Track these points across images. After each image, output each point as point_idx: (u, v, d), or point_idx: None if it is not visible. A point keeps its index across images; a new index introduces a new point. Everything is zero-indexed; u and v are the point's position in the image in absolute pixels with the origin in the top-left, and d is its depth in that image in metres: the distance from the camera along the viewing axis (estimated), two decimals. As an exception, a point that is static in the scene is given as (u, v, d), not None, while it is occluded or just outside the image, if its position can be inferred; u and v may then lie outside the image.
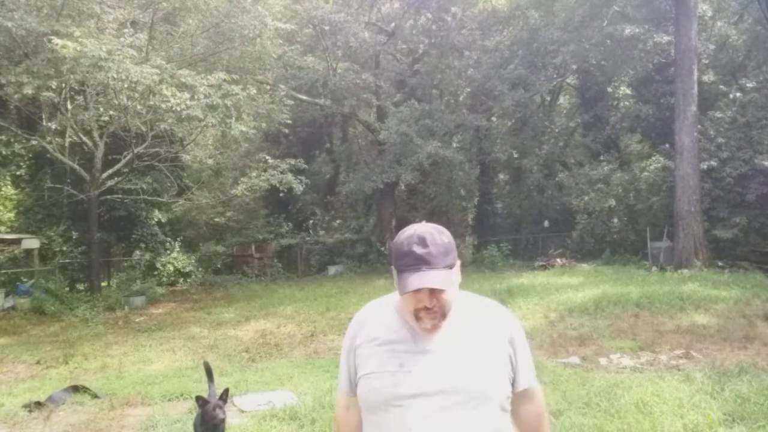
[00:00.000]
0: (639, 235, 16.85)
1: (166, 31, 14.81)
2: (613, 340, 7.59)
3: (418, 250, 1.40)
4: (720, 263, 14.42)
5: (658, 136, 18.30)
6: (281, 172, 15.35)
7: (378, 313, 1.58)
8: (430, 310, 1.43)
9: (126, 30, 12.65)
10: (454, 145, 20.75)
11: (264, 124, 16.32)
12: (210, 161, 19.70)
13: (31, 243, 14.49)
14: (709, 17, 18.72)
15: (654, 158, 17.41)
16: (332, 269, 20.21)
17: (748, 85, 16.46)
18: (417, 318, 1.45)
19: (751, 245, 15.14)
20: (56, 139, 14.51)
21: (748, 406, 4.43)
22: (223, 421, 3.54)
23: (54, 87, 12.52)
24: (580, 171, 20.52)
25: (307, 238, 22.31)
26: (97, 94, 13.72)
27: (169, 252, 18.72)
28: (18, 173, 16.12)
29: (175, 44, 14.50)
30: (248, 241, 21.72)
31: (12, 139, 15.20)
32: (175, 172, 17.31)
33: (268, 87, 17.45)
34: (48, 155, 14.90)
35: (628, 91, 21.65)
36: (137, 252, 18.17)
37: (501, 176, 27.04)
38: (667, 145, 16.62)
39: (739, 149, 15.22)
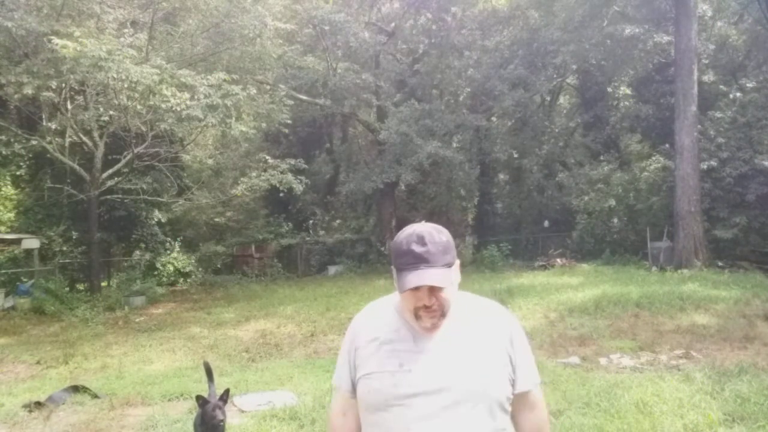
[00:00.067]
0: (639, 235, 16.85)
1: (166, 31, 14.81)
2: (613, 340, 7.59)
3: (416, 248, 1.42)
4: (720, 263, 14.42)
5: (658, 136, 18.30)
6: (281, 172, 15.35)
7: (378, 313, 1.59)
8: (429, 309, 1.43)
9: (126, 30, 12.64)
10: (454, 145, 20.75)
11: (264, 124, 16.31)
12: (210, 161, 19.70)
13: (31, 243, 14.49)
14: (709, 17, 18.72)
15: (654, 158, 17.41)
16: (332, 269, 20.21)
17: (748, 85, 16.46)
18: (417, 317, 1.46)
19: (751, 245, 15.14)
20: (56, 139, 14.51)
21: (748, 406, 4.43)
22: (222, 422, 3.53)
23: (54, 87, 12.51)
24: (580, 171, 20.53)
25: (307, 238, 22.31)
26: (97, 94, 13.72)
27: (169, 252, 18.72)
28: (18, 173, 16.12)
29: (175, 44, 14.50)
30: (248, 241, 21.72)
31: (12, 139, 15.20)
32: (175, 172, 17.31)
33: (268, 87, 17.44)
34: (48, 155, 14.90)
35: (628, 91, 21.65)
36: (137, 252, 18.17)
37: (501, 176, 27.04)
38: (667, 145, 16.62)
39: (739, 149, 15.22)
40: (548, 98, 25.13)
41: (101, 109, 13.75)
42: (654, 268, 14.51)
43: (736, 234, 14.79)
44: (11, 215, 15.56)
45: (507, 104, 19.50)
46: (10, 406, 5.55)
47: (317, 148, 25.78)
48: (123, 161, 14.90)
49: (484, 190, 24.02)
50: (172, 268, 18.48)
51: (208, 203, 18.63)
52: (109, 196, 15.74)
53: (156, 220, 18.60)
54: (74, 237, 16.18)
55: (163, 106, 11.85)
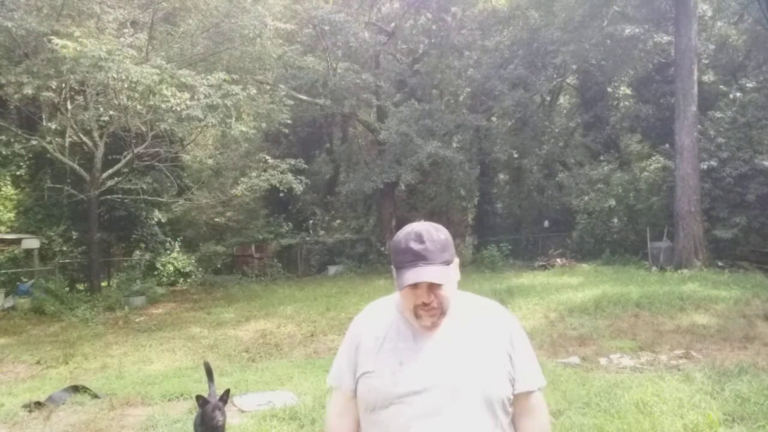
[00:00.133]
0: (639, 235, 16.85)
1: (166, 31, 14.81)
2: (613, 340, 7.59)
3: (415, 246, 1.43)
4: (720, 263, 14.42)
5: (658, 136, 18.30)
6: (281, 172, 15.34)
7: (379, 313, 1.60)
8: (428, 306, 1.44)
9: (126, 30, 12.63)
10: (454, 145, 20.74)
11: (264, 124, 16.31)
12: (210, 161, 19.71)
13: (31, 243, 14.49)
14: (709, 17, 18.72)
15: (654, 158, 17.41)
16: (332, 269, 20.21)
17: (748, 85, 16.45)
18: (416, 316, 1.47)
19: (751, 245, 15.14)
20: (56, 139, 14.51)
21: (748, 406, 4.43)
22: (222, 424, 3.53)
23: (54, 87, 12.53)
24: (580, 171, 20.53)
25: (307, 238, 22.31)
26: (97, 94, 13.72)
27: (169, 252, 18.72)
28: (18, 173, 16.11)
29: (175, 44, 14.50)
30: (248, 241, 21.72)
31: (12, 139, 15.20)
32: (175, 172, 17.31)
33: (268, 87, 17.44)
34: (48, 155, 14.90)
35: (628, 91, 21.65)
36: (137, 252, 18.17)
37: (501, 176, 27.04)
38: (667, 145, 16.61)
39: (739, 149, 15.21)
40: (548, 98, 25.13)
41: (101, 109, 13.75)
42: (654, 268, 14.51)
43: (736, 234, 14.78)
44: (11, 215, 15.56)
45: (507, 104, 19.50)
46: (10, 406, 5.54)
47: (317, 148, 25.78)
48: (123, 161, 14.89)
49: (484, 190, 24.02)
50: (172, 268, 18.49)
51: (208, 203, 18.63)
52: (109, 196, 15.73)
53: (156, 220, 18.60)
54: (74, 237, 16.18)
55: (163, 106, 11.85)
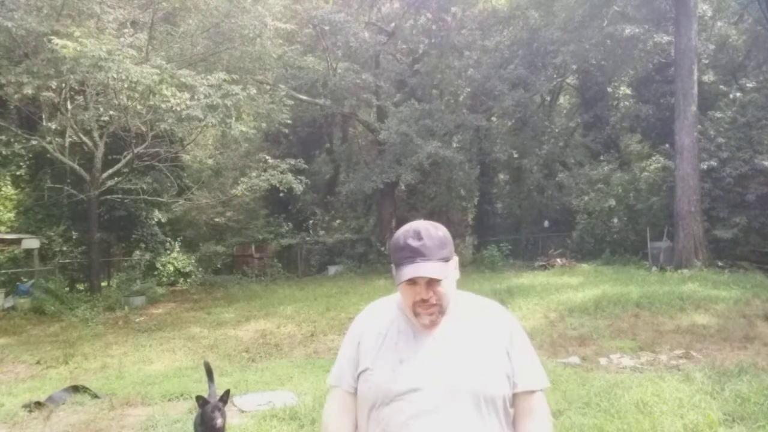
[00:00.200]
0: (639, 235, 16.85)
1: (166, 31, 14.81)
2: (613, 340, 7.59)
3: (413, 242, 1.45)
4: (720, 263, 14.42)
5: (658, 136, 18.30)
6: (281, 172, 15.34)
7: (380, 311, 1.61)
8: (427, 303, 1.46)
9: (126, 30, 12.64)
10: (454, 145, 20.75)
11: (264, 124, 16.31)
12: (210, 161, 19.71)
13: (31, 243, 14.49)
14: (709, 17, 18.72)
15: (654, 158, 17.41)
16: (332, 269, 20.21)
17: (748, 85, 16.45)
18: (415, 314, 1.48)
19: (751, 245, 15.13)
20: (56, 139, 14.51)
21: (748, 406, 4.43)
22: (222, 424, 3.52)
23: (54, 87, 12.53)
24: (580, 171, 20.53)
25: (307, 238, 22.31)
26: (97, 94, 13.72)
27: (169, 252, 18.72)
28: (18, 173, 16.11)
29: (175, 44, 14.50)
30: (248, 241, 21.71)
31: (12, 139, 15.20)
32: (175, 172, 17.31)
33: (268, 87, 17.44)
34: (48, 155, 14.90)
35: (628, 91, 21.65)
36: (137, 252, 18.17)
37: (501, 176, 27.04)
38: (667, 145, 16.61)
39: (739, 149, 15.21)
40: (548, 98, 25.13)
41: (101, 109, 13.75)
42: (654, 268, 14.50)
43: (736, 234, 14.78)
44: (11, 215, 15.56)
45: (507, 104, 19.49)
46: (10, 406, 5.55)
47: (317, 148, 25.78)
48: (123, 161, 14.89)
49: (484, 190, 24.02)
50: (172, 268, 18.48)
51: (208, 203, 18.63)
52: (109, 196, 15.73)
53: (156, 220, 18.60)
54: (74, 237, 16.18)
55: (163, 106, 11.85)
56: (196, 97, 12.12)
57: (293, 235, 21.83)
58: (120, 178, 15.52)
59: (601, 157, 20.24)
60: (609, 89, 22.03)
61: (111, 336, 10.00)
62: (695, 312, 8.74)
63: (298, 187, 15.53)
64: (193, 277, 18.87)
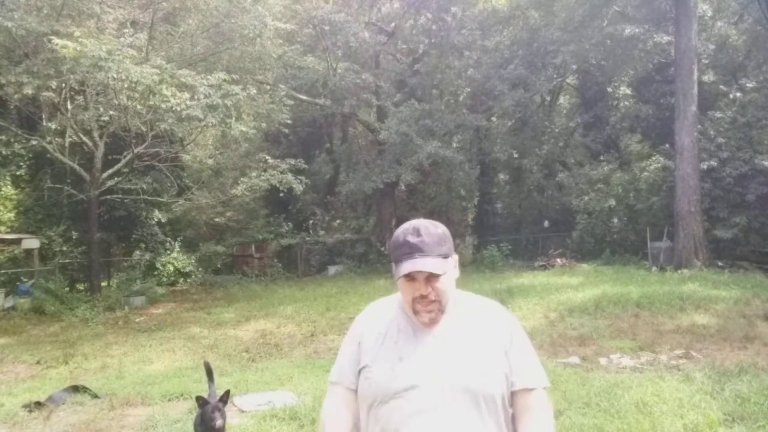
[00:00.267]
0: (639, 235, 16.85)
1: (166, 31, 14.82)
2: (613, 340, 7.59)
3: (412, 239, 1.47)
4: (720, 263, 14.42)
5: (658, 136, 18.30)
6: (281, 172, 15.34)
7: (381, 310, 1.62)
8: (426, 300, 1.47)
9: (126, 30, 12.64)
10: (454, 145, 20.75)
11: (264, 124, 16.31)
12: (210, 161, 19.70)
13: (31, 243, 14.49)
14: (709, 17, 18.72)
15: (654, 158, 17.41)
16: (332, 269, 20.21)
17: (748, 85, 16.45)
18: (415, 312, 1.50)
19: (751, 245, 15.14)
20: (56, 139, 14.50)
21: (748, 406, 4.43)
22: (221, 425, 3.52)
23: (54, 87, 12.52)
24: (580, 171, 20.52)
25: (307, 238, 22.30)
26: (97, 94, 13.72)
27: (169, 252, 18.72)
28: (18, 173, 16.11)
29: (175, 44, 14.50)
30: (248, 241, 21.71)
31: (12, 139, 15.20)
32: (175, 172, 17.30)
33: (268, 87, 17.44)
34: (48, 155, 14.90)
35: (628, 91, 21.65)
36: (137, 252, 18.16)
37: (501, 176, 27.04)
38: (667, 145, 16.61)
39: (739, 149, 15.22)
40: (548, 98, 25.13)
41: (101, 109, 13.74)
42: (654, 268, 14.51)
43: (736, 234, 14.79)
44: (11, 215, 15.55)
45: (507, 104, 19.49)
46: (10, 406, 5.55)
47: (317, 148, 25.78)
48: (123, 161, 14.89)
49: (484, 190, 24.02)
50: (172, 268, 18.48)
51: (208, 203, 18.62)
52: (109, 196, 15.73)
53: (156, 220, 18.60)
54: (74, 237, 16.17)
55: (163, 106, 11.85)
56: (196, 97, 12.12)
57: (293, 235, 21.83)
58: (120, 178, 15.52)
59: (601, 157, 20.23)
60: (609, 89, 22.03)
61: (111, 336, 10.00)
62: (695, 312, 8.74)
63: (298, 187, 15.53)
64: (193, 277, 18.86)
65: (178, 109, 11.71)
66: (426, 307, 1.48)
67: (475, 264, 18.64)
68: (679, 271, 13.41)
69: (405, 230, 1.51)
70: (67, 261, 15.87)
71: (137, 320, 11.74)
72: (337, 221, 25.21)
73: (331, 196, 25.17)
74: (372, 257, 20.77)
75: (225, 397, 3.65)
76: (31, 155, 15.97)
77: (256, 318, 11.11)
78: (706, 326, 7.92)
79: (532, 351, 1.56)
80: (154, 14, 13.56)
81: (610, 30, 17.73)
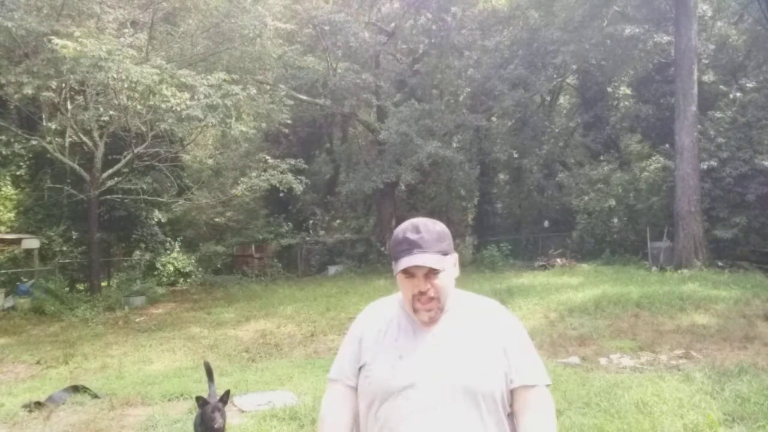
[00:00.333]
0: (639, 235, 16.85)
1: (166, 31, 14.81)
2: (613, 340, 7.59)
3: (411, 236, 1.48)
4: (720, 263, 14.42)
5: (658, 136, 18.30)
6: (281, 172, 15.34)
7: (381, 309, 1.63)
8: (425, 297, 1.47)
9: (126, 30, 12.64)
10: (454, 145, 20.76)
11: (264, 124, 16.32)
12: (210, 161, 19.70)
13: (31, 243, 14.48)
14: (709, 17, 18.72)
15: (654, 158, 17.41)
16: (332, 269, 20.21)
17: (748, 85, 16.45)
18: (414, 310, 1.50)
19: (751, 245, 15.14)
20: (56, 139, 14.50)
21: (748, 406, 4.43)
22: (221, 425, 3.51)
23: (54, 87, 12.52)
24: (580, 171, 20.53)
25: (307, 238, 22.31)
26: (97, 94, 13.72)
27: (169, 252, 18.72)
28: (18, 173, 16.11)
29: (175, 44, 14.50)
30: (248, 241, 21.71)
31: (12, 139, 15.19)
32: (175, 172, 17.30)
33: (268, 87, 17.44)
34: (48, 155, 14.90)
35: (628, 91, 21.65)
36: (137, 252, 18.16)
37: (501, 176, 27.05)
38: (667, 145, 16.61)
39: (739, 149, 15.22)
40: (548, 98, 25.13)
41: (101, 109, 13.74)
42: (654, 268, 14.50)
43: (736, 234, 14.79)
44: (11, 215, 15.55)
45: (507, 104, 19.50)
46: (10, 406, 5.55)
47: (317, 148, 25.78)
48: (123, 161, 14.89)
49: (484, 190, 24.03)
50: (172, 268, 18.48)
51: (208, 203, 18.62)
52: (109, 196, 15.73)
53: (156, 220, 18.60)
54: (74, 237, 16.17)
55: (163, 106, 11.85)
56: (196, 97, 12.12)
57: (293, 235, 21.83)
58: (120, 178, 15.52)
59: (601, 157, 20.23)
60: (609, 89, 22.02)
61: (111, 336, 10.00)
62: (695, 312, 8.74)
63: (298, 187, 15.53)
64: (193, 277, 18.86)
65: (178, 109, 11.71)
66: (425, 305, 1.48)
67: (475, 264, 18.64)
68: (679, 271, 13.41)
69: (404, 228, 1.52)
70: (67, 261, 15.87)
71: (137, 320, 11.74)
72: (337, 221, 25.21)
73: (331, 196, 25.17)
74: (372, 257, 20.77)
75: (225, 397, 3.65)
76: (31, 155, 15.97)
77: (256, 318, 11.11)
78: (706, 326, 7.92)
79: (532, 349, 1.56)
80: (154, 14, 13.56)
81: (610, 30, 17.73)
